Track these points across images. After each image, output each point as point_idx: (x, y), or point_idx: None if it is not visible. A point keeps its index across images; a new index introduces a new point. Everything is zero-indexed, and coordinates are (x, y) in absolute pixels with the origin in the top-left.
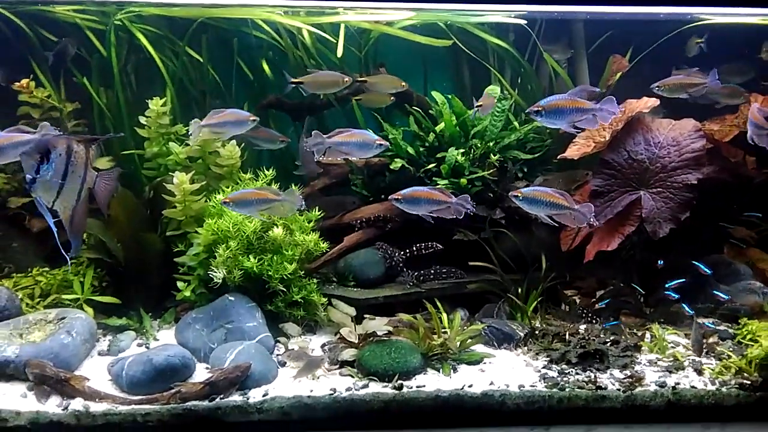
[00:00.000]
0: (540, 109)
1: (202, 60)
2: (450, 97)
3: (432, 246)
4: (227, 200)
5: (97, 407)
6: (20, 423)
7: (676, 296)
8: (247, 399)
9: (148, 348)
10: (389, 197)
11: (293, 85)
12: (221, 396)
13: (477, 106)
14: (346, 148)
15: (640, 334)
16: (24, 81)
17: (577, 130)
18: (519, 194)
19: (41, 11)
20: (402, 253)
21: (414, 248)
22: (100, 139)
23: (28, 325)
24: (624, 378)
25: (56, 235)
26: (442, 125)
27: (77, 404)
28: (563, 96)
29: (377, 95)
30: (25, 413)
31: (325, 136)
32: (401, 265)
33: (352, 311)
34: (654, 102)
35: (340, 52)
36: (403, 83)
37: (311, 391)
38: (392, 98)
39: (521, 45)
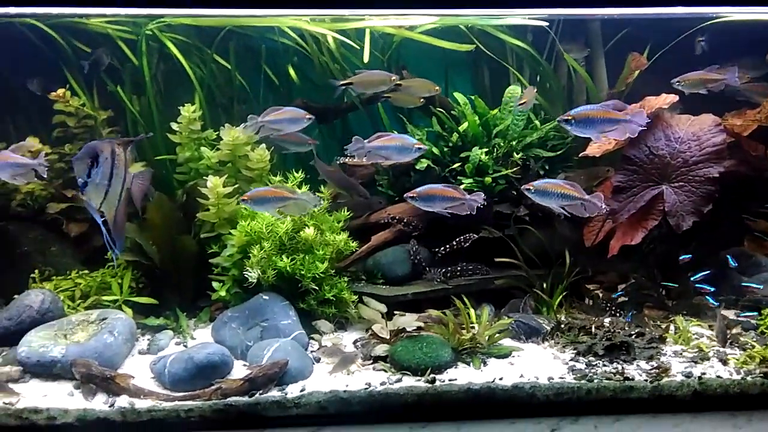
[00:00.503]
0: (570, 118)
1: (230, 67)
2: (473, 97)
3: (469, 238)
4: (246, 198)
5: (141, 404)
6: (68, 420)
7: (712, 288)
8: (285, 394)
9: (185, 346)
10: (404, 195)
11: (342, 87)
12: (260, 392)
13: (521, 104)
14: (385, 152)
15: (664, 326)
16: (60, 90)
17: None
18: (531, 187)
19: (74, 23)
20: (441, 248)
21: (454, 242)
22: (135, 140)
23: (72, 325)
24: (651, 369)
25: (106, 235)
26: (465, 125)
27: (123, 401)
28: (593, 106)
29: (407, 95)
30: (72, 411)
31: (365, 140)
32: (423, 263)
33: (383, 308)
34: (673, 98)
35: (366, 58)
36: (437, 87)
37: (347, 385)
38: (422, 100)
39: (539, 45)
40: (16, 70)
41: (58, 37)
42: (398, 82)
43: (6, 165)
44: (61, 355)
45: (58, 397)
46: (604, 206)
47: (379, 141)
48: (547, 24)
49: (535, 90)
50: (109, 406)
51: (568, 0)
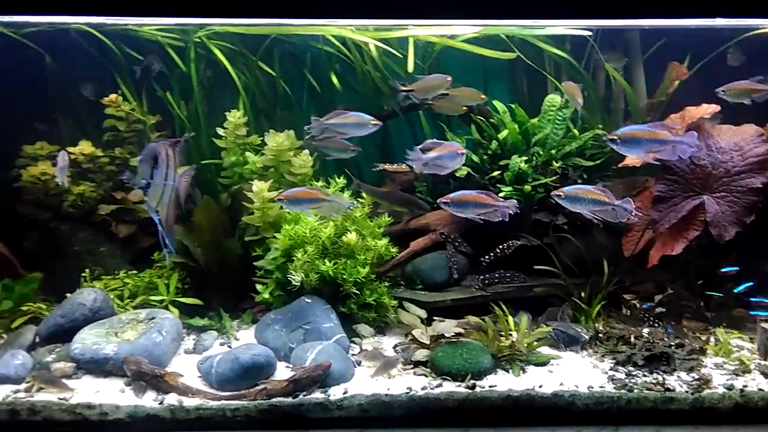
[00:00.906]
0: (616, 137)
1: (274, 74)
2: (513, 106)
3: (512, 245)
4: (282, 197)
5: (190, 402)
6: (119, 416)
7: (766, 300)
8: (328, 396)
9: (229, 347)
10: (438, 200)
11: (404, 93)
12: (304, 393)
13: (577, 103)
14: (441, 161)
15: (703, 338)
16: (112, 96)
17: (656, 161)
18: (561, 193)
19: (126, 30)
20: (486, 257)
21: (497, 250)
22: (182, 140)
23: (122, 324)
24: (691, 380)
25: (162, 235)
26: (505, 133)
27: (171, 399)
28: (641, 126)
29: (451, 103)
30: (123, 407)
31: (420, 149)
32: (453, 267)
33: (423, 313)
34: (714, 108)
35: (411, 67)
36: (483, 96)
37: (388, 389)
38: (464, 108)
39: (576, 54)
40: (69, 76)
41: (110, 44)
42: (444, 91)
43: None
44: (114, 352)
45: (110, 393)
46: (634, 211)
47: (436, 151)
48: (590, 34)
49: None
50: (159, 404)
51: (611, 11)
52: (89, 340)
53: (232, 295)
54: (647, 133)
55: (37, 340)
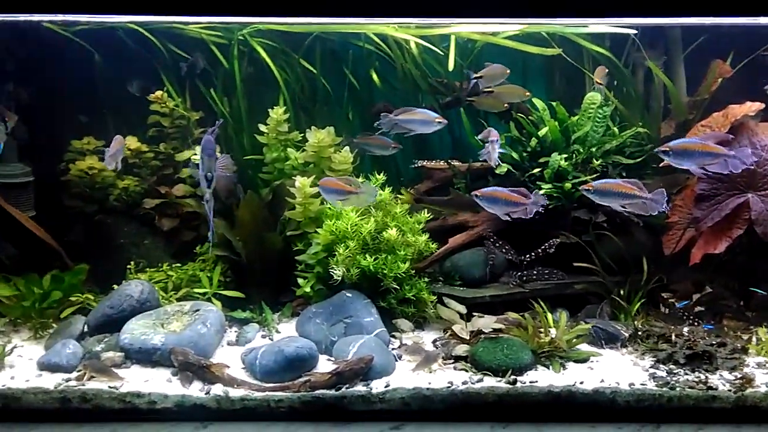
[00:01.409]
0: (668, 149)
1: (315, 71)
2: (555, 104)
3: (554, 243)
4: (321, 184)
5: (235, 393)
6: (167, 405)
7: None
8: (370, 389)
9: (271, 339)
10: (470, 192)
11: (475, 79)
12: (346, 386)
13: (597, 83)
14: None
15: (745, 337)
16: (158, 92)
17: (706, 172)
18: (590, 187)
19: (170, 28)
20: (529, 255)
21: (540, 248)
22: (216, 127)
23: (167, 315)
24: (734, 379)
25: (212, 226)
26: (544, 130)
27: (217, 389)
28: (693, 139)
29: (493, 99)
30: (171, 396)
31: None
32: (490, 265)
33: (463, 309)
34: (759, 106)
35: (451, 65)
36: (528, 92)
37: (429, 383)
38: (506, 105)
39: (615, 51)
40: (115, 73)
41: (156, 42)
42: (489, 90)
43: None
44: (161, 343)
45: (158, 382)
46: (665, 204)
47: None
48: (635, 32)
49: (606, 71)
50: (205, 394)
51: (654, 9)
52: (137, 330)
53: (271, 289)
54: (700, 146)
55: (86, 329)
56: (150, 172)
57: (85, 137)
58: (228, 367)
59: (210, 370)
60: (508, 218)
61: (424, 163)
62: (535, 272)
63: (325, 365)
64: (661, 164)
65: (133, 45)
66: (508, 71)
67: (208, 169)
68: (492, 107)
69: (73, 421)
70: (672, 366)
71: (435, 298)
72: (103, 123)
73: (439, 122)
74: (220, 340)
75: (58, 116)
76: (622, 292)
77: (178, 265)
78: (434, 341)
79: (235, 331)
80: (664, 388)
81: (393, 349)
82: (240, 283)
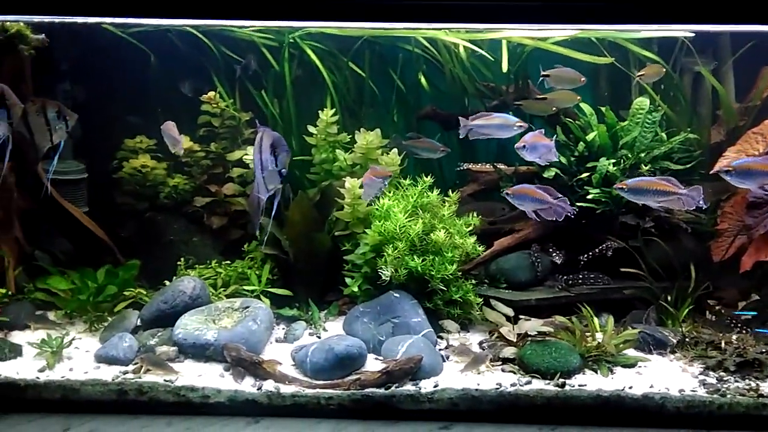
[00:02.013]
0: (731, 169)
1: (364, 74)
2: (605, 109)
3: (609, 246)
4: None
5: (286, 389)
6: (220, 400)
7: None
8: (419, 389)
9: (318, 337)
10: (501, 190)
11: (542, 78)
12: (396, 385)
13: (639, 75)
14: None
15: None
16: (211, 93)
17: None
18: (623, 186)
19: (221, 30)
20: (584, 256)
21: (596, 250)
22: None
23: (218, 312)
24: None
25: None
26: (592, 135)
27: (269, 385)
28: (756, 159)
29: (541, 103)
30: (224, 391)
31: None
32: (537, 268)
33: (511, 312)
34: None
35: (505, 68)
36: (579, 97)
37: (478, 384)
38: (554, 108)
39: (663, 57)
40: (168, 74)
41: (209, 44)
42: (542, 97)
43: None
44: (214, 338)
45: (210, 377)
46: (701, 199)
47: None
48: (692, 35)
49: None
50: (257, 389)
51: (709, 16)
52: (191, 326)
53: (317, 287)
54: (762, 166)
55: (139, 323)
56: (201, 170)
57: (137, 136)
58: (280, 363)
59: (262, 366)
60: (536, 218)
61: (470, 165)
62: (580, 276)
63: (373, 364)
64: (711, 172)
65: (183, 47)
66: (583, 79)
67: (282, 165)
68: (540, 111)
69: (130, 413)
70: (722, 373)
71: (481, 300)
72: (155, 122)
73: (520, 126)
74: (269, 336)
75: (111, 115)
76: (669, 298)
77: (228, 262)
78: (480, 343)
79: (283, 329)
80: (715, 395)
81: (440, 349)
82: (287, 282)
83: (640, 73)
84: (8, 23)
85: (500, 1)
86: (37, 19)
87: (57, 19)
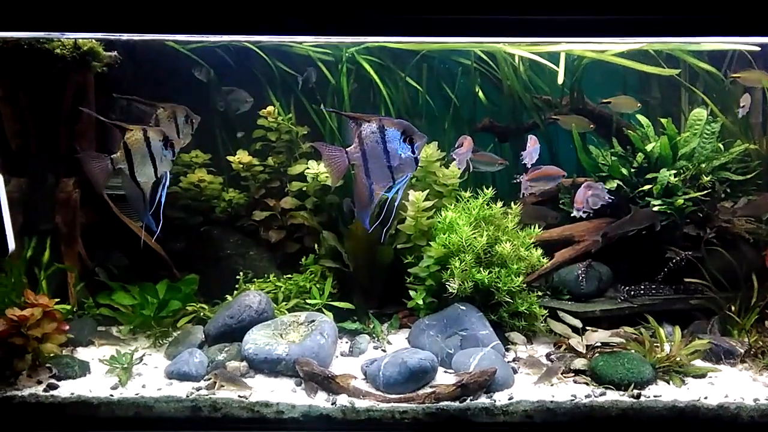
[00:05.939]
0: None
1: (421, 88)
2: (666, 120)
3: (684, 257)
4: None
5: (360, 404)
6: (294, 415)
7: None
8: (494, 402)
9: (383, 351)
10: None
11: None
12: (470, 398)
13: (741, 107)
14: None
15: None
16: (269, 108)
17: None
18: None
19: (279, 45)
20: (665, 269)
21: (672, 262)
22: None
23: (284, 326)
24: None
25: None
26: (651, 146)
27: (343, 400)
28: None
29: (577, 119)
30: (298, 406)
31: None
32: (582, 280)
33: (578, 323)
34: None
35: (561, 79)
36: (639, 104)
37: (553, 396)
38: (592, 125)
39: (716, 66)
40: (217, 89)
41: (267, 59)
42: (606, 101)
43: None
44: (285, 353)
45: (283, 392)
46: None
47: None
48: (758, 49)
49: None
50: (332, 404)
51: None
52: (260, 340)
53: (376, 300)
54: None
55: (204, 339)
56: (258, 184)
57: (192, 151)
58: (354, 378)
59: (335, 381)
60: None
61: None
62: (642, 287)
63: (443, 377)
64: None
65: (237, 62)
66: (639, 105)
67: (419, 150)
68: (577, 127)
69: (203, 430)
70: None
71: (546, 312)
72: (210, 137)
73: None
74: (335, 350)
75: None
76: (732, 308)
77: (289, 276)
78: (548, 354)
79: (346, 342)
80: None
81: (508, 362)
82: (345, 295)
83: (735, 75)
84: (81, 40)
85: (580, 16)
86: (98, 36)
87: (122, 36)
